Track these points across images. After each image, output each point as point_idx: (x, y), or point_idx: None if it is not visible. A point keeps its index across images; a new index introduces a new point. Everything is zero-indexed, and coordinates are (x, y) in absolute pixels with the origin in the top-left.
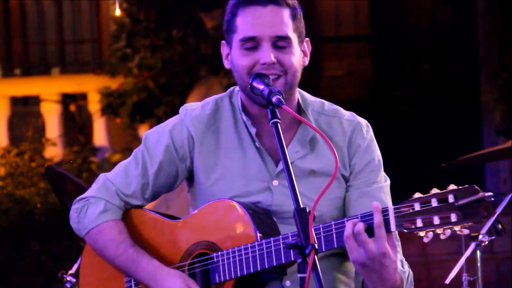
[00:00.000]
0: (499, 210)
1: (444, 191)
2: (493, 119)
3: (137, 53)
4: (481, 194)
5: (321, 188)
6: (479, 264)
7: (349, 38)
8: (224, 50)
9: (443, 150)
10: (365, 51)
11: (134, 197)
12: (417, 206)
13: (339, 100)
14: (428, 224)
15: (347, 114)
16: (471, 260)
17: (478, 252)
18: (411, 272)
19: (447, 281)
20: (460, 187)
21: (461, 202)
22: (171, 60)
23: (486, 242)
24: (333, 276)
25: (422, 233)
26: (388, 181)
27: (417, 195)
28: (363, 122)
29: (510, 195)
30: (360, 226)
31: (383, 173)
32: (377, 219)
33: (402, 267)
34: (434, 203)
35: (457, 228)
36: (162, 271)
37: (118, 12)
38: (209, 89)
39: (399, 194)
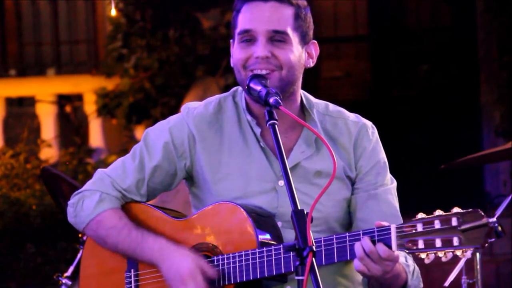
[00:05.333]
0: (498, 212)
1: (448, 213)
2: (492, 120)
3: (133, 54)
4: (484, 219)
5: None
6: (478, 267)
7: (348, 38)
8: (231, 48)
9: (442, 151)
10: (364, 52)
11: (130, 192)
12: (419, 227)
13: (338, 101)
14: (429, 246)
15: (352, 116)
16: (470, 262)
17: (477, 254)
18: (416, 267)
19: (446, 283)
20: (464, 210)
21: (464, 226)
22: (168, 60)
23: (486, 244)
24: (333, 279)
25: (423, 255)
26: (395, 183)
27: (421, 215)
28: (369, 123)
29: (509, 197)
30: (370, 246)
31: (389, 175)
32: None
33: (406, 261)
34: (437, 225)
35: (458, 252)
36: (169, 249)
37: (114, 12)
38: (206, 90)
39: (398, 195)
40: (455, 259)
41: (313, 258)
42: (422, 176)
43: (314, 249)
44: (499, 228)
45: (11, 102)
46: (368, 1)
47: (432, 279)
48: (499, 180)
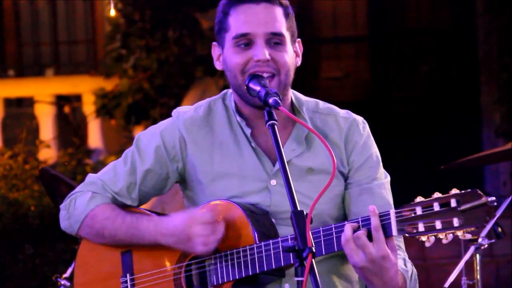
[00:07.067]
0: (498, 213)
1: (446, 195)
2: (492, 121)
3: (132, 54)
4: (484, 198)
5: (319, 186)
6: (478, 268)
7: (347, 38)
8: (215, 51)
9: (442, 152)
10: (363, 52)
11: (121, 195)
12: (419, 210)
13: (337, 102)
14: (430, 229)
15: (342, 112)
16: (470, 263)
17: (477, 255)
18: (414, 270)
19: (446, 284)
20: (463, 191)
21: (463, 206)
22: (167, 61)
23: (486, 245)
24: (332, 280)
25: (424, 238)
26: (388, 178)
27: (419, 199)
28: (359, 119)
29: (510, 198)
30: (359, 229)
31: (382, 170)
32: (374, 222)
33: (404, 266)
34: (436, 207)
35: (459, 233)
36: (162, 222)
37: (113, 12)
38: (205, 90)
39: (398, 195)
40: (455, 260)
41: (313, 260)
42: (422, 176)
43: (314, 250)
44: (499, 229)
45: (9, 103)
46: (368, 1)
47: (432, 280)
48: (499, 181)
